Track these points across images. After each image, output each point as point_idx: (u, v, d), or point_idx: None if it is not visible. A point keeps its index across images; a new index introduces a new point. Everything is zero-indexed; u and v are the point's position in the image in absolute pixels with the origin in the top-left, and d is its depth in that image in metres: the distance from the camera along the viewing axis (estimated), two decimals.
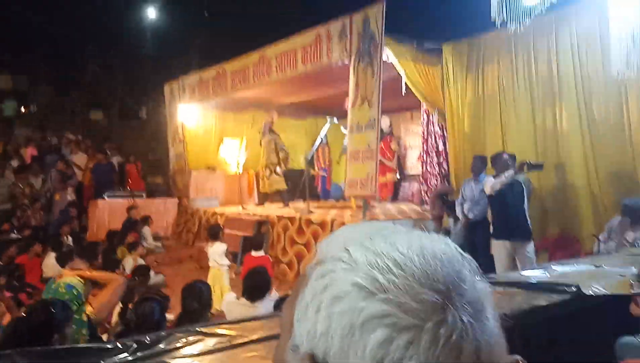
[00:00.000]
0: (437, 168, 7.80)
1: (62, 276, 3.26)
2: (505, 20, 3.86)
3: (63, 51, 16.28)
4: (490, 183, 4.86)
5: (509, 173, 4.75)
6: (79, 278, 3.21)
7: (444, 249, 0.46)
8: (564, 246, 5.41)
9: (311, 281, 0.46)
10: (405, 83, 6.98)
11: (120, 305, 3.91)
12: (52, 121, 14.19)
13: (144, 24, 17.06)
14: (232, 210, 9.06)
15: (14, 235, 8.03)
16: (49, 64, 16.29)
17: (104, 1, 16.26)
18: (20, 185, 9.29)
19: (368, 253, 0.44)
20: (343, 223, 6.39)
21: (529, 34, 5.62)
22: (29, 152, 11.12)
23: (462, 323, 0.40)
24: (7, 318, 4.06)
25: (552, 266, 2.86)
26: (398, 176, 9.60)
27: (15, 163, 9.98)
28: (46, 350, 1.94)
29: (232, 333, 1.76)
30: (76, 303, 3.02)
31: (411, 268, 0.43)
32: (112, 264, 5.64)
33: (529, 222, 4.92)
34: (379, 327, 0.40)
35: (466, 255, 0.47)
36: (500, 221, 4.96)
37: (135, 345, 1.62)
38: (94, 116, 15.47)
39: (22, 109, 14.62)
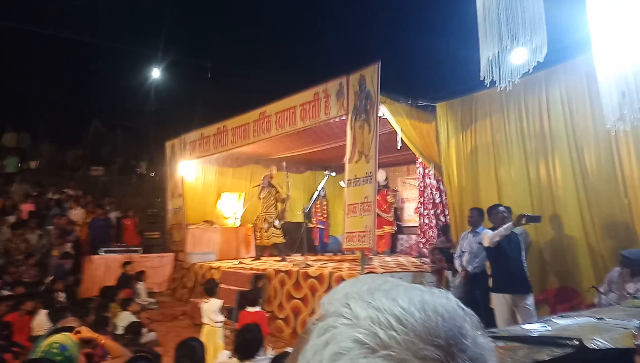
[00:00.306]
0: (434, 220, 7.80)
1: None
2: (494, 80, 4.01)
3: (66, 108, 16.70)
4: (489, 235, 4.85)
5: (508, 225, 4.75)
6: (71, 337, 3.12)
7: (445, 304, 0.46)
8: (565, 298, 5.32)
9: (312, 338, 0.45)
10: (401, 138, 7.14)
11: None
12: (52, 177, 14.30)
13: (147, 83, 17.62)
14: (229, 264, 8.96)
15: (5, 292, 7.86)
16: (52, 121, 16.66)
17: (106, 60, 16.87)
18: (16, 241, 9.21)
19: (369, 309, 0.45)
20: (341, 277, 6.31)
21: (519, 90, 5.82)
22: (27, 207, 11.11)
23: None
24: None
25: (553, 319, 2.81)
26: (395, 229, 9.58)
27: (12, 219, 9.95)
28: None
29: None
30: None
31: (412, 324, 0.43)
32: (103, 321, 5.49)
33: (527, 275, 4.88)
34: None
35: (468, 309, 0.48)
36: (499, 274, 4.91)
37: None
38: (94, 172, 15.59)
39: (23, 166, 14.74)
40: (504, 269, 4.84)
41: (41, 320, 6.42)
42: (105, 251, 9.84)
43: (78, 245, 10.20)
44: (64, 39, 12.81)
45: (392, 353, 0.41)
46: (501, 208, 5.06)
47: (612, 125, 3.89)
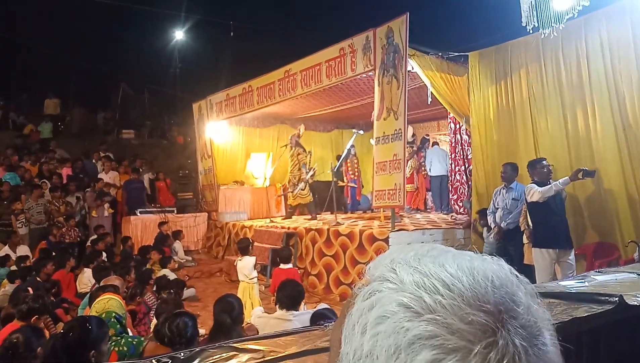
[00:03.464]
0: (465, 176, 7.68)
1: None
2: (537, 26, 3.78)
3: (95, 73, 16.90)
4: (541, 190, 4.72)
5: (564, 179, 4.69)
6: (120, 302, 3.29)
7: (496, 270, 0.45)
8: (603, 253, 5.22)
9: (358, 301, 0.46)
10: (431, 93, 6.94)
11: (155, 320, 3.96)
12: (85, 141, 14.69)
13: (173, 46, 17.59)
14: (260, 223, 9.13)
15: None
16: (82, 86, 16.93)
17: (133, 25, 16.84)
18: (56, 204, 9.58)
19: (415, 274, 0.44)
20: (372, 234, 6.35)
21: (557, 38, 5.50)
22: (65, 172, 11.49)
23: (514, 347, 0.39)
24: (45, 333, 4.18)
25: (591, 275, 2.76)
26: (416, 187, 9.45)
27: (50, 183, 10.32)
28: None
29: (265, 348, 1.76)
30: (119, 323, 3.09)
31: (459, 289, 0.42)
32: (145, 279, 5.73)
33: (569, 229, 4.82)
34: (425, 348, 0.39)
35: (522, 277, 0.46)
36: (544, 229, 4.85)
37: (170, 361, 1.63)
38: (125, 135, 15.89)
39: (57, 131, 15.10)
40: (548, 224, 4.79)
41: (86, 278, 6.77)
42: (141, 212, 10.17)
43: (115, 206, 10.57)
44: (89, 2, 12.80)
45: (438, 317, 0.40)
46: (545, 162, 4.94)
47: None
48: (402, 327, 0.40)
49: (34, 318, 3.69)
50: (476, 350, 0.38)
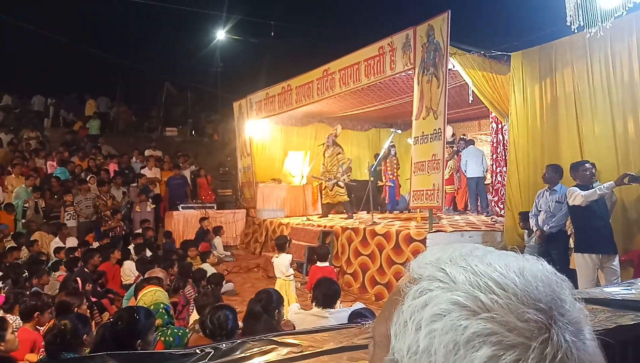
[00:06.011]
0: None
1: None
2: (582, 25, 3.65)
3: (141, 73, 17.52)
4: (584, 193, 4.59)
5: (610, 183, 4.55)
6: (165, 293, 3.42)
7: (542, 269, 0.47)
8: None
9: (408, 299, 0.47)
10: (473, 92, 6.82)
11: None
12: (130, 138, 15.24)
13: (215, 46, 17.98)
14: (297, 221, 9.23)
15: (96, 244, 8.66)
16: (128, 85, 17.60)
17: (177, 26, 17.34)
18: (103, 198, 9.98)
19: (466, 273, 0.46)
20: (409, 235, 6.31)
21: (606, 36, 5.26)
22: (112, 167, 11.97)
23: (566, 343, 0.42)
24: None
25: (638, 282, 2.66)
26: (456, 188, 9.32)
27: (97, 178, 10.75)
28: (132, 355, 2.08)
29: (304, 343, 1.80)
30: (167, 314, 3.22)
31: (513, 288, 0.44)
32: (187, 273, 5.91)
33: (613, 234, 4.65)
34: (484, 345, 0.41)
35: (562, 275, 0.48)
36: (586, 233, 4.71)
37: (212, 352, 1.69)
38: (169, 133, 16.39)
39: (104, 128, 15.73)
40: (591, 228, 4.65)
41: (127, 270, 7.05)
42: (183, 208, 10.48)
43: (159, 201, 10.92)
44: (137, 5, 13.26)
45: (495, 315, 0.42)
46: (588, 165, 4.79)
47: None
48: (459, 324, 0.42)
49: (36, 314, 3.64)
50: (534, 346, 0.41)
